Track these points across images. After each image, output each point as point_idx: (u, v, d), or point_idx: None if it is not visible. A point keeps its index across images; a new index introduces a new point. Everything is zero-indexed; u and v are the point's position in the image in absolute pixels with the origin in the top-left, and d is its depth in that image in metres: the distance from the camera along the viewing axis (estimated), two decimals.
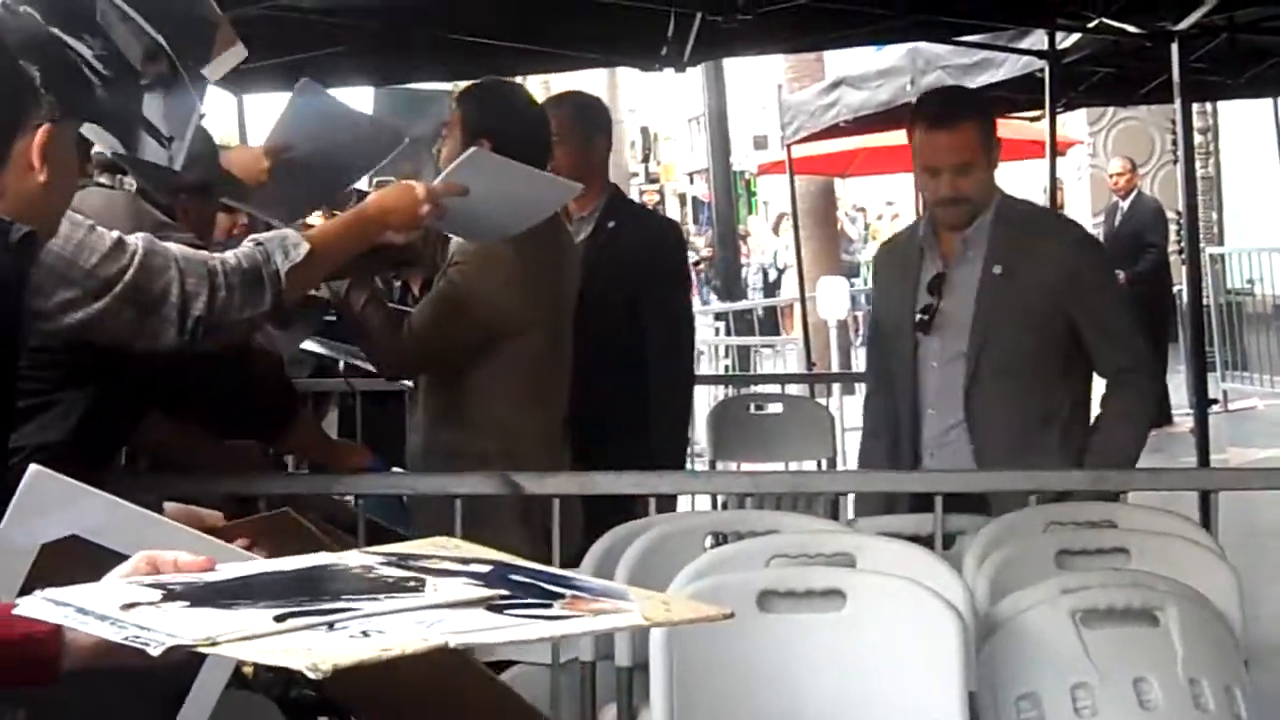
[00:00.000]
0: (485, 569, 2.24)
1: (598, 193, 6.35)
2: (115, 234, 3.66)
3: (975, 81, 10.27)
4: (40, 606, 2.03)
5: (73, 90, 3.05)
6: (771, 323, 21.40)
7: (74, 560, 2.40)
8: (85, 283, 3.59)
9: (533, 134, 5.26)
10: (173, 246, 3.78)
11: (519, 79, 7.64)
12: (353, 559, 2.24)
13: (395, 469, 5.25)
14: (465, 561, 2.27)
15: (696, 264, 30.05)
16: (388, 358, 5.24)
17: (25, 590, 2.33)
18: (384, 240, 4.32)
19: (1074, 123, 21.65)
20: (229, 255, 3.84)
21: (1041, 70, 9.79)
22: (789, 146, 14.66)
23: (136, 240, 3.68)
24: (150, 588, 2.07)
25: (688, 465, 8.71)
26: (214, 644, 1.92)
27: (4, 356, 2.83)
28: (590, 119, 6.43)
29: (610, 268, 6.05)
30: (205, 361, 3.90)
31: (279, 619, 1.97)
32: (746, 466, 8.39)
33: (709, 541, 4.51)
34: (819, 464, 7.93)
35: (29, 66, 2.97)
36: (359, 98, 8.51)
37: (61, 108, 2.98)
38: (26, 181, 2.94)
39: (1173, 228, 16.31)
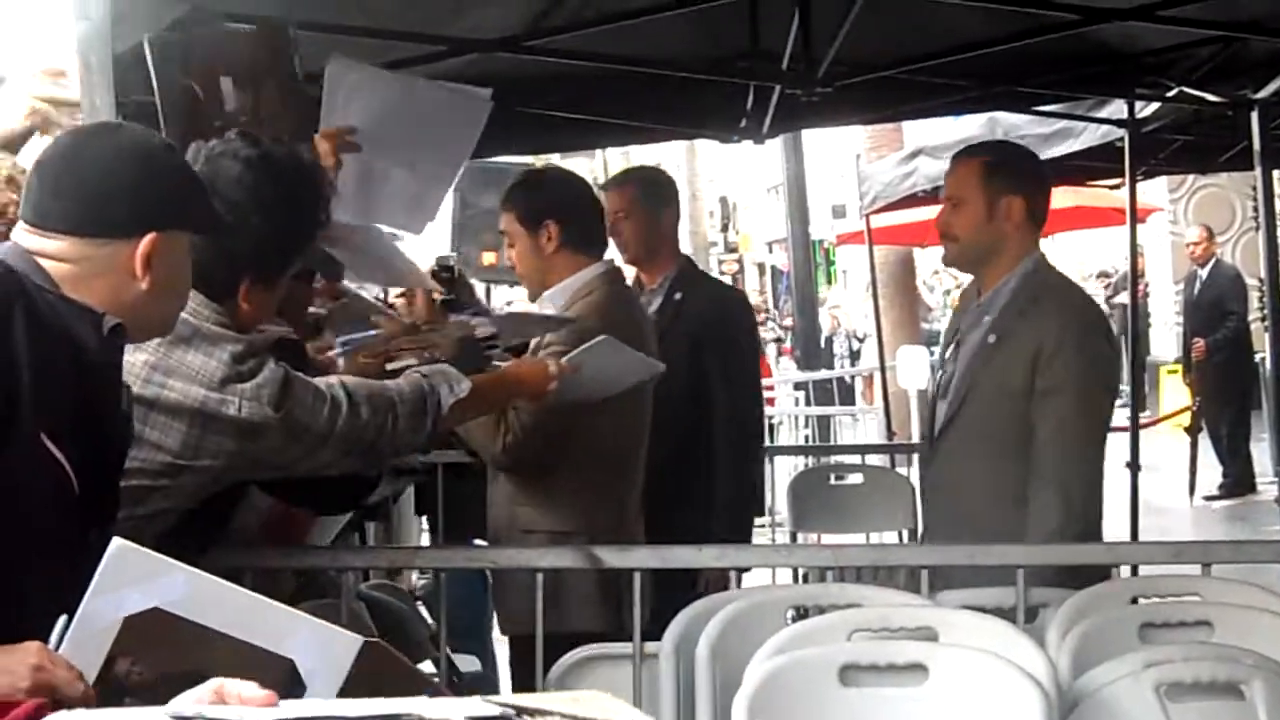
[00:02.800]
0: None
1: (668, 264, 6.42)
2: (324, 386, 3.85)
3: (1054, 151, 10.25)
4: None
5: (178, 202, 3.12)
6: (850, 392, 21.35)
7: (157, 633, 2.44)
8: (306, 438, 3.79)
9: (595, 215, 5.45)
10: (359, 383, 3.98)
11: (598, 151, 7.72)
12: (442, 708, 2.10)
13: (478, 541, 5.28)
14: None
15: (778, 337, 30.06)
16: (499, 459, 5.34)
17: (108, 663, 2.40)
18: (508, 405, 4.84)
19: (1155, 190, 21.58)
20: (403, 384, 4.04)
21: (1121, 139, 9.77)
22: (867, 216, 14.65)
23: (340, 389, 3.87)
24: None
25: (769, 537, 8.71)
26: None
27: (96, 436, 2.87)
28: (657, 194, 6.50)
29: (679, 339, 6.09)
30: None
31: None
32: (827, 537, 8.39)
33: (790, 615, 4.51)
34: (900, 534, 7.91)
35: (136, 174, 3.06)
36: None
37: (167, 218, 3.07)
38: (129, 288, 3.02)
39: (1254, 295, 16.23)
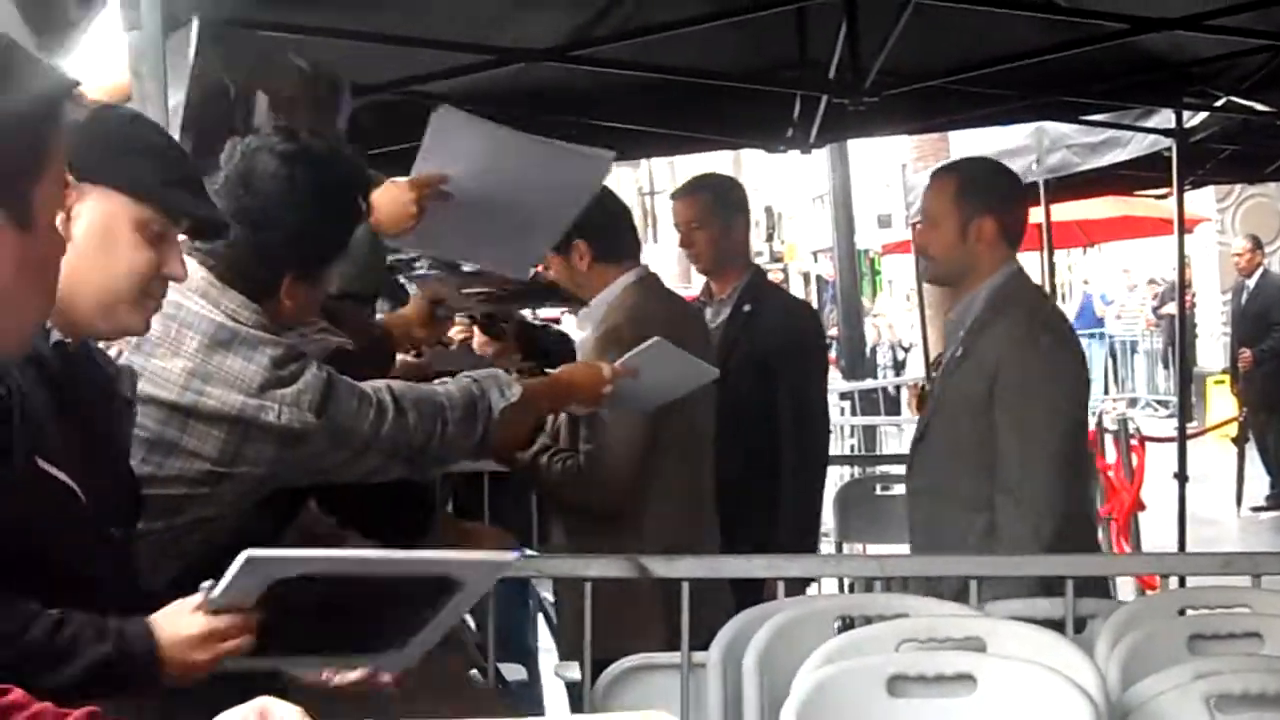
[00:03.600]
0: None
1: (740, 273, 6.40)
2: (369, 390, 3.78)
3: (1101, 160, 10.26)
4: None
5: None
6: (896, 402, 21.32)
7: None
8: (350, 443, 3.73)
9: (623, 226, 5.46)
10: (406, 387, 3.92)
11: (643, 161, 7.74)
12: None
13: (527, 550, 5.27)
14: None
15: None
16: (598, 502, 5.27)
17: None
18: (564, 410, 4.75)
19: (1202, 200, 21.51)
20: (451, 388, 3.97)
21: (1169, 149, 9.74)
22: (914, 226, 14.62)
23: (386, 393, 3.81)
24: None
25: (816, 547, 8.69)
26: None
27: (91, 438, 2.87)
28: (729, 202, 6.49)
29: (747, 349, 6.08)
30: None
31: None
32: (872, 548, 8.37)
33: (837, 625, 4.50)
34: None
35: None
36: None
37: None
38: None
39: None
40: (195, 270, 3.64)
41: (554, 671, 5.82)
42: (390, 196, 4.57)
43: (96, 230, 2.95)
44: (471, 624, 6.04)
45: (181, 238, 3.20)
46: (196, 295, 3.62)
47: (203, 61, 4.74)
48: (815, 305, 40.92)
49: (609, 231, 5.44)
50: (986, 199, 5.24)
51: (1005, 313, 5.14)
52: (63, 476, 2.71)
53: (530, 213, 4.95)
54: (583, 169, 5.01)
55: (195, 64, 4.64)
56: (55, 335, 2.87)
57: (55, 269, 2.30)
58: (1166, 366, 26.03)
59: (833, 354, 24.19)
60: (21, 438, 2.66)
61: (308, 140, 3.90)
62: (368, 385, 3.79)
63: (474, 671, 5.26)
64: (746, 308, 6.32)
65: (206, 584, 2.75)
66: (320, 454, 3.69)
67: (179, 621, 2.80)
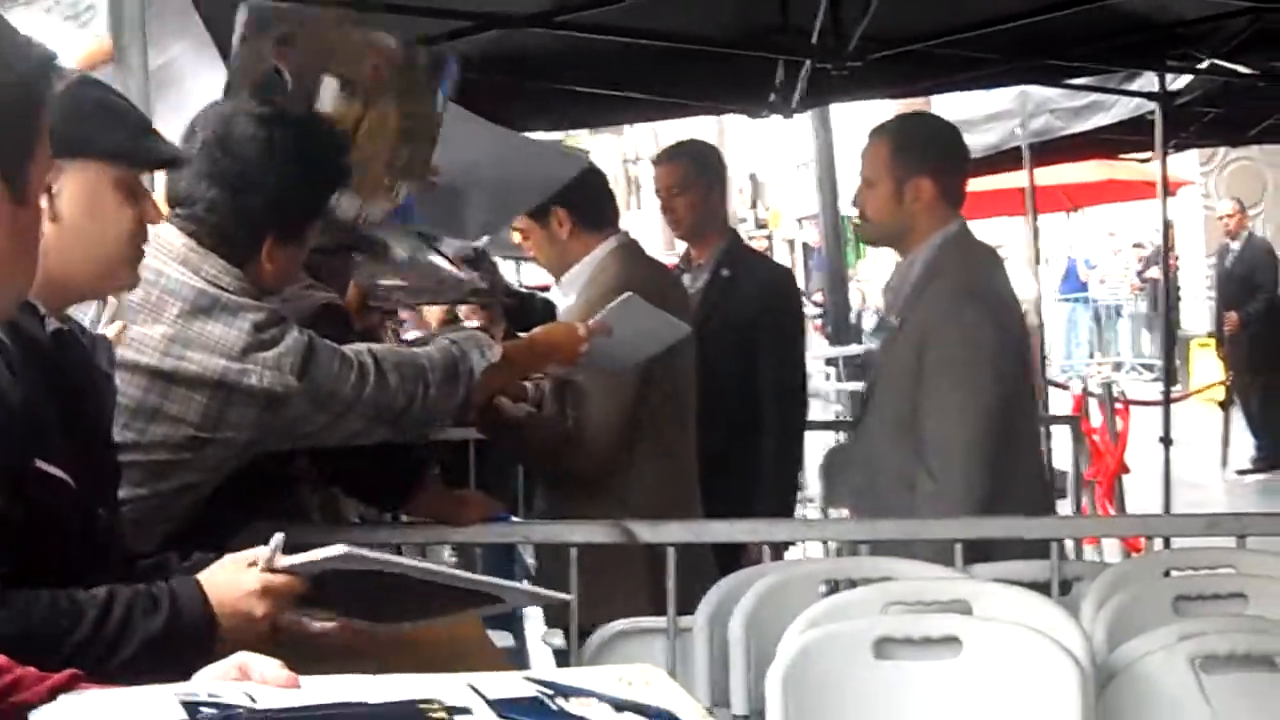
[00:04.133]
0: None
1: (717, 239, 6.42)
2: (350, 353, 3.82)
3: (1085, 124, 10.25)
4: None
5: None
6: None
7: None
8: (332, 406, 3.77)
9: (602, 194, 5.45)
10: (388, 349, 4.00)
11: (626, 127, 7.74)
12: (477, 689, 1.97)
13: (511, 518, 5.27)
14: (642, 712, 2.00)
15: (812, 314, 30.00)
16: (583, 469, 5.24)
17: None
18: (541, 370, 4.77)
19: (1186, 163, 21.51)
20: (432, 351, 4.01)
21: (1152, 112, 9.74)
22: None
23: (367, 355, 3.84)
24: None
25: (800, 512, 8.70)
26: None
27: (80, 425, 2.87)
28: (708, 168, 6.51)
29: (725, 314, 6.08)
30: None
31: None
32: None
33: (823, 588, 4.50)
34: None
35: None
36: None
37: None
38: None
39: None
40: (175, 237, 3.66)
41: (540, 638, 5.83)
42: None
43: (81, 202, 2.97)
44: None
45: (164, 209, 3.22)
46: (176, 262, 3.64)
47: (249, 48, 4.63)
48: (800, 271, 40.95)
49: (589, 199, 5.43)
50: (922, 159, 5.11)
51: (936, 283, 5.00)
52: (58, 473, 2.71)
53: (498, 194, 5.03)
54: (558, 162, 5.10)
55: (240, 51, 4.56)
56: (51, 323, 2.87)
57: (38, 242, 2.31)
58: (1151, 330, 26.07)
59: (818, 320, 24.20)
60: (28, 447, 2.66)
61: (282, 104, 3.92)
62: (348, 348, 3.82)
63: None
64: (724, 273, 6.35)
65: (276, 540, 2.78)
66: (302, 417, 3.71)
67: (237, 577, 2.83)
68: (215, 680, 2.07)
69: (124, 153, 3.01)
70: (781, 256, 43.60)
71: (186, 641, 2.74)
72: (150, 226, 3.14)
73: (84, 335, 3.09)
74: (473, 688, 1.96)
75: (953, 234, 5.11)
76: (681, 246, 6.80)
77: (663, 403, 5.27)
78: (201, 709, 1.90)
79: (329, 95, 4.58)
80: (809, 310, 30.66)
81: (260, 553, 2.86)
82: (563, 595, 2.74)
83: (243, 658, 2.14)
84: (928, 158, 5.13)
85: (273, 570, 2.85)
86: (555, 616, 5.41)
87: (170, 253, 3.64)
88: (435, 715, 1.90)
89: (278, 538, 2.81)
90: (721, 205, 6.61)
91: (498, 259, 8.57)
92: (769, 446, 6.23)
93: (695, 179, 6.41)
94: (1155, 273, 24.35)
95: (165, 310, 3.60)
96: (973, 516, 4.63)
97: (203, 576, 2.83)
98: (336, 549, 2.72)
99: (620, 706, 1.98)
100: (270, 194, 3.76)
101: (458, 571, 2.77)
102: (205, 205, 3.70)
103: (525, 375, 4.81)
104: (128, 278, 3.14)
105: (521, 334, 5.03)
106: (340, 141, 4.11)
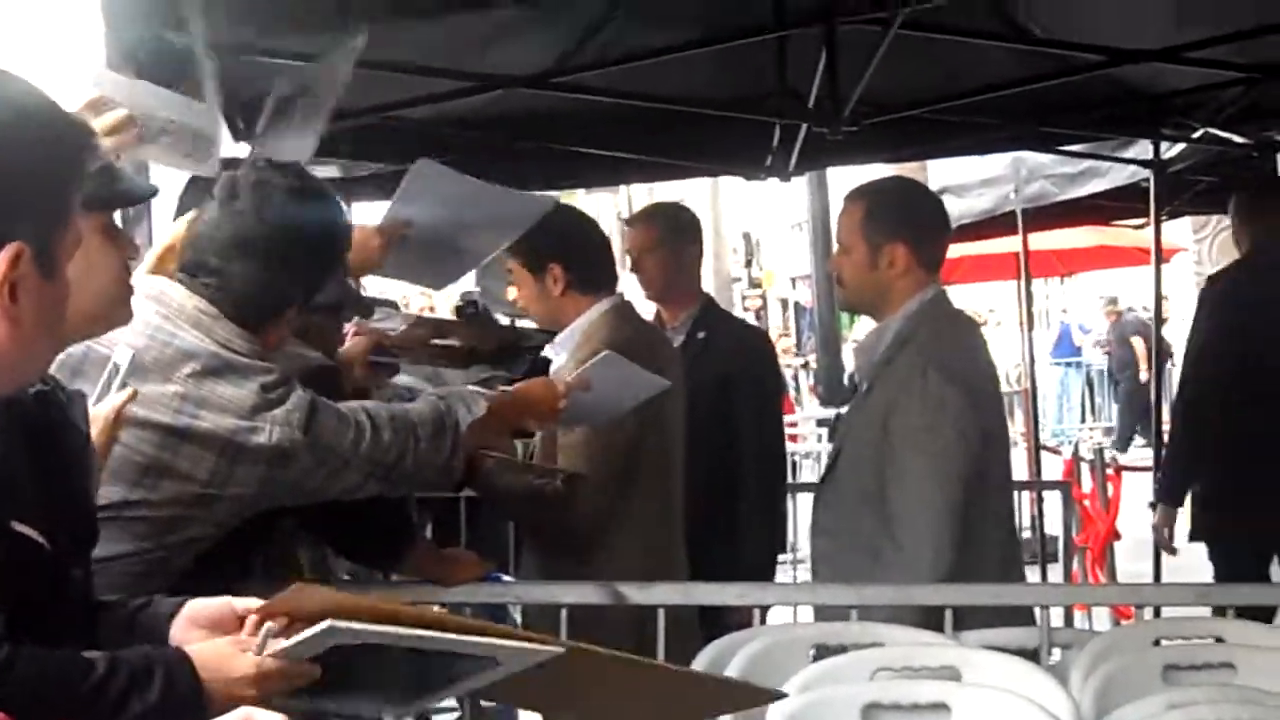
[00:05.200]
0: None
1: (690, 302, 6.43)
2: (346, 409, 3.89)
3: (1080, 190, 10.30)
4: None
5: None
6: None
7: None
8: (332, 461, 3.84)
9: (601, 254, 5.46)
10: (379, 405, 4.04)
11: (623, 187, 7.77)
12: None
13: (503, 577, 5.28)
14: None
15: (794, 371, 30.01)
16: (571, 521, 5.21)
17: None
18: (522, 427, 4.79)
19: (1179, 230, 21.56)
20: (420, 406, 4.08)
21: (1146, 179, 9.78)
22: None
23: (362, 412, 3.92)
24: None
25: (791, 575, 8.70)
26: None
27: (61, 487, 2.87)
28: (679, 231, 6.51)
29: (701, 378, 6.08)
30: None
31: None
32: None
33: (812, 653, 4.51)
34: None
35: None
36: None
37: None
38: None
39: None
40: (185, 299, 3.72)
41: None
42: (359, 241, 4.57)
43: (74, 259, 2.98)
44: None
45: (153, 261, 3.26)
46: (189, 325, 3.72)
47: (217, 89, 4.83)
48: (794, 332, 40.98)
49: (588, 260, 5.40)
50: (896, 226, 5.03)
51: (909, 346, 4.93)
52: (32, 534, 2.70)
53: (468, 242, 5.09)
54: (525, 206, 5.13)
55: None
56: (35, 385, 2.88)
57: (64, 319, 2.33)
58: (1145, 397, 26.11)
59: (810, 380, 24.23)
60: (1, 507, 2.66)
61: (308, 178, 4.01)
62: (344, 405, 3.89)
63: None
64: (700, 335, 6.37)
65: (267, 629, 2.75)
66: (306, 471, 3.78)
67: (230, 663, 2.78)
68: None
69: (99, 199, 3.02)
70: (775, 316, 43.67)
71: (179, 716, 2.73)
72: (157, 285, 3.17)
73: (62, 392, 3.10)
74: None
75: (928, 300, 5.02)
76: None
77: (653, 460, 5.27)
78: None
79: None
80: (800, 373, 30.73)
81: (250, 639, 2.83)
82: (557, 649, 2.73)
83: (246, 712, 2.15)
84: (901, 223, 5.05)
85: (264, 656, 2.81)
86: None
87: (182, 315, 3.73)
88: None
89: (268, 627, 2.77)
90: (694, 268, 6.61)
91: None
92: (749, 509, 6.25)
93: (665, 240, 6.44)
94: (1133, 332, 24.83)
95: (178, 370, 3.67)
96: (962, 584, 4.64)
97: (197, 654, 2.80)
98: (322, 625, 2.70)
99: None
100: (301, 269, 3.85)
101: (449, 635, 2.75)
102: (236, 276, 3.77)
103: (508, 429, 4.84)
104: (124, 314, 3.17)
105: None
106: (344, 214, 4.21)
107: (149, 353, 3.61)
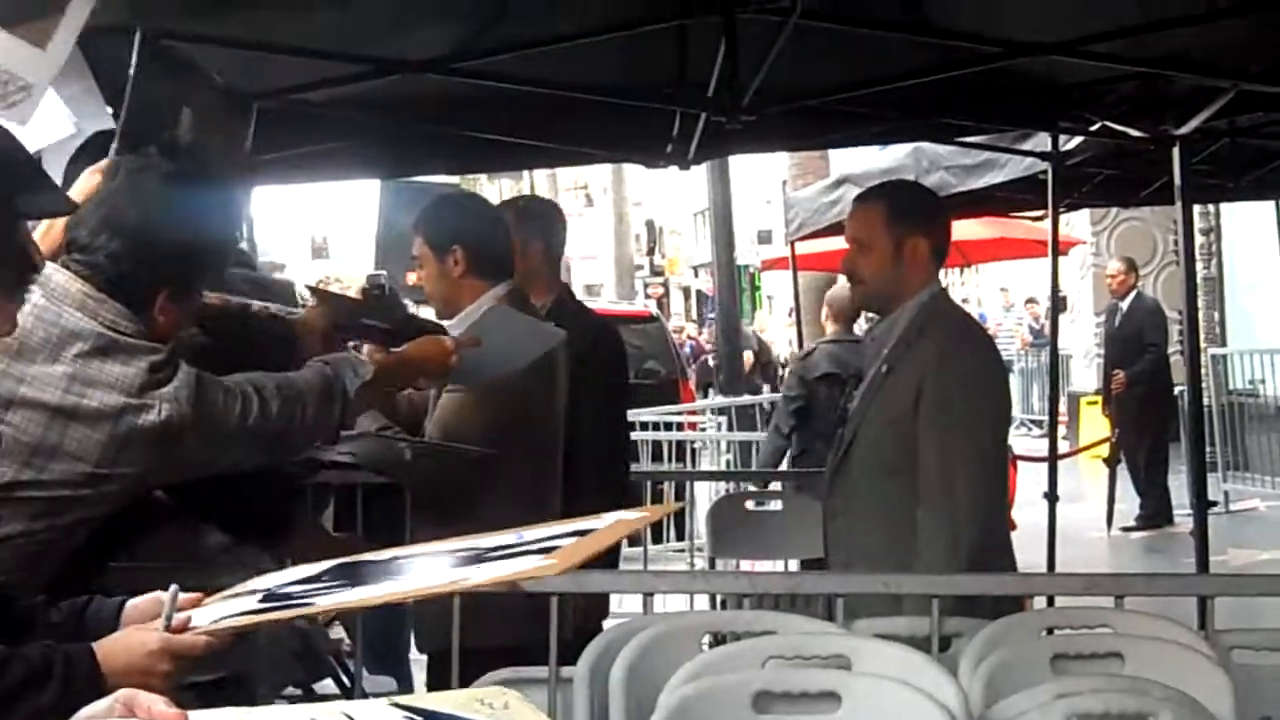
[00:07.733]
0: None
1: (542, 295, 6.34)
2: (231, 383, 3.90)
3: (978, 182, 10.34)
4: None
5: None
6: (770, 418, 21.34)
7: None
8: (219, 436, 3.85)
9: (503, 241, 5.48)
10: (264, 376, 4.02)
11: (524, 172, 7.75)
12: (343, 715, 2.12)
13: None
14: None
15: (698, 357, 30.06)
16: (438, 480, 5.29)
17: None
18: (412, 385, 4.92)
19: (1077, 222, 21.77)
20: (307, 374, 4.11)
21: (1045, 172, 9.85)
22: (793, 243, 14.72)
23: (247, 385, 3.92)
24: None
25: (688, 562, 8.71)
26: None
27: None
28: (530, 223, 6.42)
29: None
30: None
31: None
32: (745, 563, 8.40)
33: (706, 641, 4.52)
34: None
35: None
36: (366, 190, 8.61)
37: None
38: None
39: (1175, 328, 16.36)
40: (70, 282, 3.70)
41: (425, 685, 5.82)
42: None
43: None
44: (345, 636, 6.03)
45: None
46: (73, 307, 3.70)
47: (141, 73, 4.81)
48: (696, 318, 41.05)
49: (489, 247, 5.45)
50: (918, 220, 5.37)
51: (929, 331, 5.26)
52: None
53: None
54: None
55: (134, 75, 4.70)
56: None
57: None
58: (1042, 386, 26.30)
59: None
60: None
61: (188, 164, 3.99)
62: (228, 379, 3.89)
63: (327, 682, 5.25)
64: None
65: (172, 591, 2.75)
66: (194, 448, 3.78)
67: (133, 644, 2.76)
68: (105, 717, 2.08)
69: (20, 208, 3.02)
70: (677, 303, 43.78)
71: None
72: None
73: None
74: (346, 715, 2.08)
75: (938, 291, 5.42)
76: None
77: (519, 427, 5.27)
78: None
79: (187, 125, 4.76)
80: (705, 359, 30.78)
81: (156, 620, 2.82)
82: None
83: (128, 694, 2.13)
84: (920, 218, 5.39)
85: (174, 630, 2.80)
86: (427, 641, 5.43)
87: (67, 298, 3.71)
88: None
89: (173, 589, 2.78)
90: (542, 261, 6.50)
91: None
92: (592, 506, 6.23)
93: (513, 232, 6.39)
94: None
95: (66, 350, 3.66)
96: (851, 574, 4.67)
97: (99, 646, 2.79)
98: (239, 602, 2.70)
99: None
100: (168, 251, 3.81)
101: (343, 604, 2.74)
102: (107, 254, 3.75)
103: (398, 389, 4.87)
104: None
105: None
106: (236, 201, 4.19)
107: (35, 333, 3.59)
